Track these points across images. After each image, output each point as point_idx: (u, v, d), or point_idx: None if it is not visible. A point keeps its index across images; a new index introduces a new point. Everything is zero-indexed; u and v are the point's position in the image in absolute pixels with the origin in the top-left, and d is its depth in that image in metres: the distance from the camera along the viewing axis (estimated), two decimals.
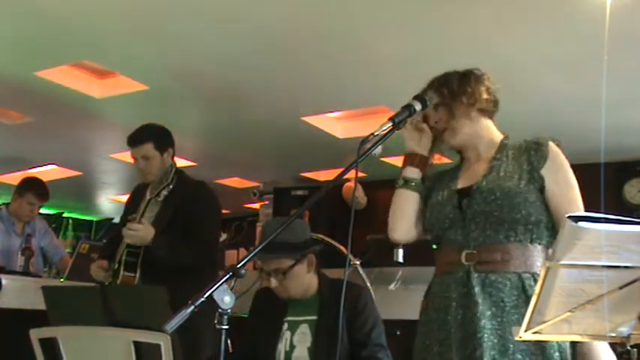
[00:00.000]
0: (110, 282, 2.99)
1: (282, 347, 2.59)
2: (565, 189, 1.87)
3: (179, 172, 3.09)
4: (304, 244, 2.62)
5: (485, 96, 1.97)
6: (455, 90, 1.97)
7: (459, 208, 1.90)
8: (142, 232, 2.84)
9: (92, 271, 3.07)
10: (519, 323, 1.73)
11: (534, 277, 1.80)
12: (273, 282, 2.58)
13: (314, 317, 2.59)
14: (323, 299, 2.59)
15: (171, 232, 2.94)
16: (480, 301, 1.78)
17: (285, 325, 2.62)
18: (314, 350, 2.53)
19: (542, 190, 1.87)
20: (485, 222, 1.84)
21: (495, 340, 1.75)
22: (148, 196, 2.98)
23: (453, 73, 2.01)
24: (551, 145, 1.91)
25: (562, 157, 1.91)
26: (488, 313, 1.78)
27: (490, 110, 2.01)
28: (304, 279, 2.60)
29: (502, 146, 1.97)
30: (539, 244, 1.84)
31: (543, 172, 1.87)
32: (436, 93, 1.99)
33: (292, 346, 2.58)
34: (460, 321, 1.81)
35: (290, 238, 2.54)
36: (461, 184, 1.98)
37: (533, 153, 1.90)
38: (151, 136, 3.07)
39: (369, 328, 2.54)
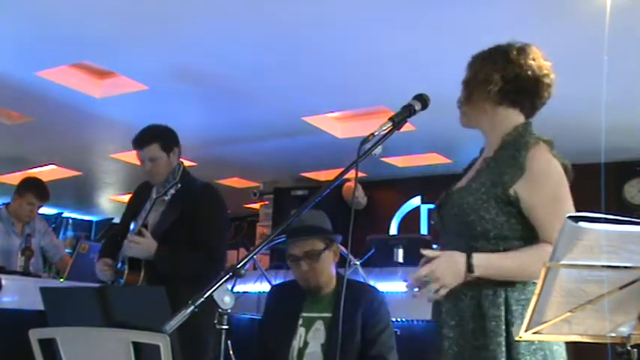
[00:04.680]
0: (114, 281, 2.99)
1: (296, 344, 2.62)
2: (545, 203, 1.71)
3: (186, 172, 3.07)
4: (332, 231, 2.73)
5: (494, 87, 1.81)
6: (475, 72, 1.87)
7: (439, 215, 1.91)
8: (144, 244, 2.84)
9: (97, 270, 3.06)
10: (475, 334, 1.73)
11: (496, 292, 1.71)
12: (304, 266, 2.62)
13: (329, 314, 2.62)
14: (339, 297, 2.62)
15: (175, 234, 2.92)
16: (444, 310, 1.80)
17: (300, 321, 2.65)
18: (327, 347, 2.56)
19: (513, 203, 1.72)
20: (452, 231, 1.83)
21: (456, 349, 1.77)
22: (154, 195, 2.96)
23: (486, 51, 1.88)
24: (533, 152, 1.74)
25: (544, 165, 1.74)
26: (452, 322, 1.79)
27: (511, 98, 1.83)
28: (330, 268, 2.68)
29: (501, 145, 1.83)
30: None
31: (517, 186, 1.72)
32: (467, 68, 1.91)
33: (306, 343, 2.61)
34: (438, 324, 1.85)
35: (321, 223, 2.67)
36: (458, 185, 1.94)
37: (512, 162, 1.74)
38: (157, 137, 3.03)
39: (381, 329, 2.59)
